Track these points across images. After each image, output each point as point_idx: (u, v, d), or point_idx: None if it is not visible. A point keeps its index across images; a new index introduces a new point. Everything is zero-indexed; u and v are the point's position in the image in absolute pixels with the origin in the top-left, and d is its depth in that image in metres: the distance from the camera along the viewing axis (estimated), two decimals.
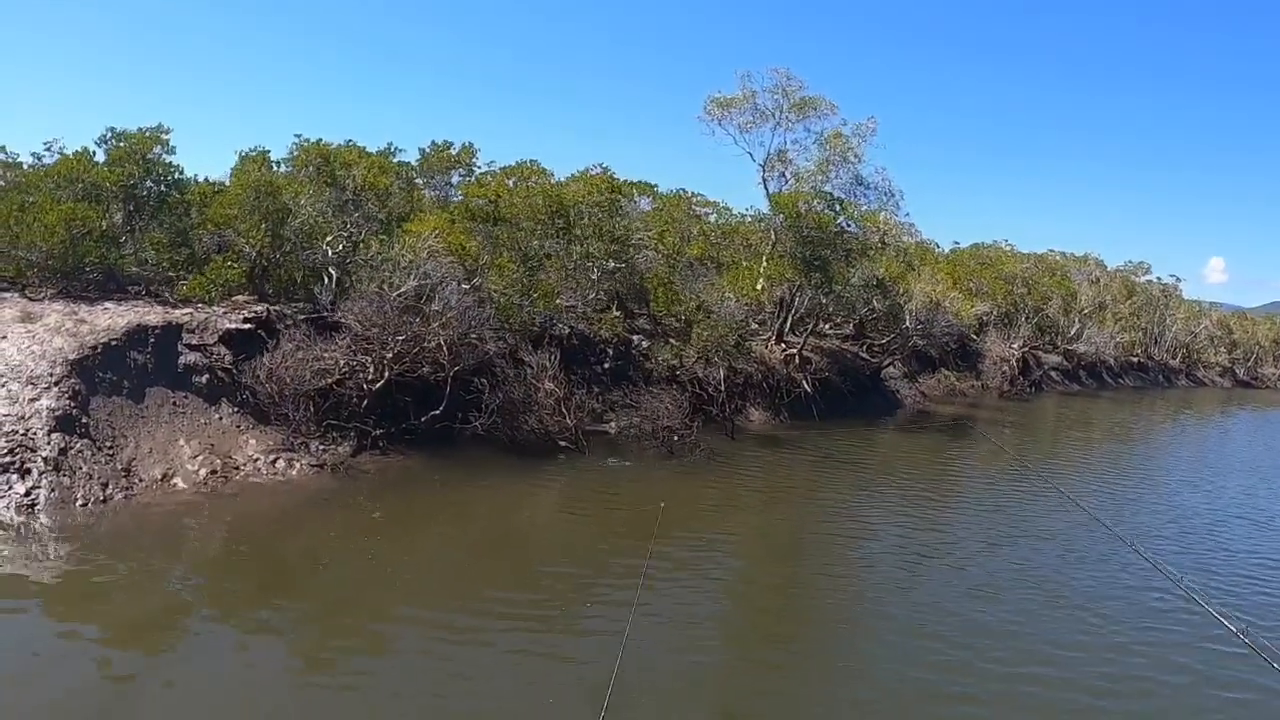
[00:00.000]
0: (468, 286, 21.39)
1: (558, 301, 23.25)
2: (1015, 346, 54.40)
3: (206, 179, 25.67)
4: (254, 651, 10.87)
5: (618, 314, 30.75)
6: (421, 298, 19.46)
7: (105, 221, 22.35)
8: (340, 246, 22.67)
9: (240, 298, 22.75)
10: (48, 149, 24.78)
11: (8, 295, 20.72)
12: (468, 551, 15.41)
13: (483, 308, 20.88)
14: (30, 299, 20.73)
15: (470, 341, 20.57)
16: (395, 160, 24.36)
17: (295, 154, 23.32)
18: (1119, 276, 75.75)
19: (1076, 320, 63.47)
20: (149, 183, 23.43)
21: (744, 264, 31.33)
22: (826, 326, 43.33)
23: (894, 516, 20.17)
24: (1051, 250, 70.26)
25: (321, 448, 18.40)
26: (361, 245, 21.43)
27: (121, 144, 23.55)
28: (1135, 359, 73.36)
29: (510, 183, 28.56)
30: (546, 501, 19.15)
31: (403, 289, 19.66)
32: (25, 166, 25.42)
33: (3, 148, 26.37)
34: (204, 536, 14.72)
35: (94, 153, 23.79)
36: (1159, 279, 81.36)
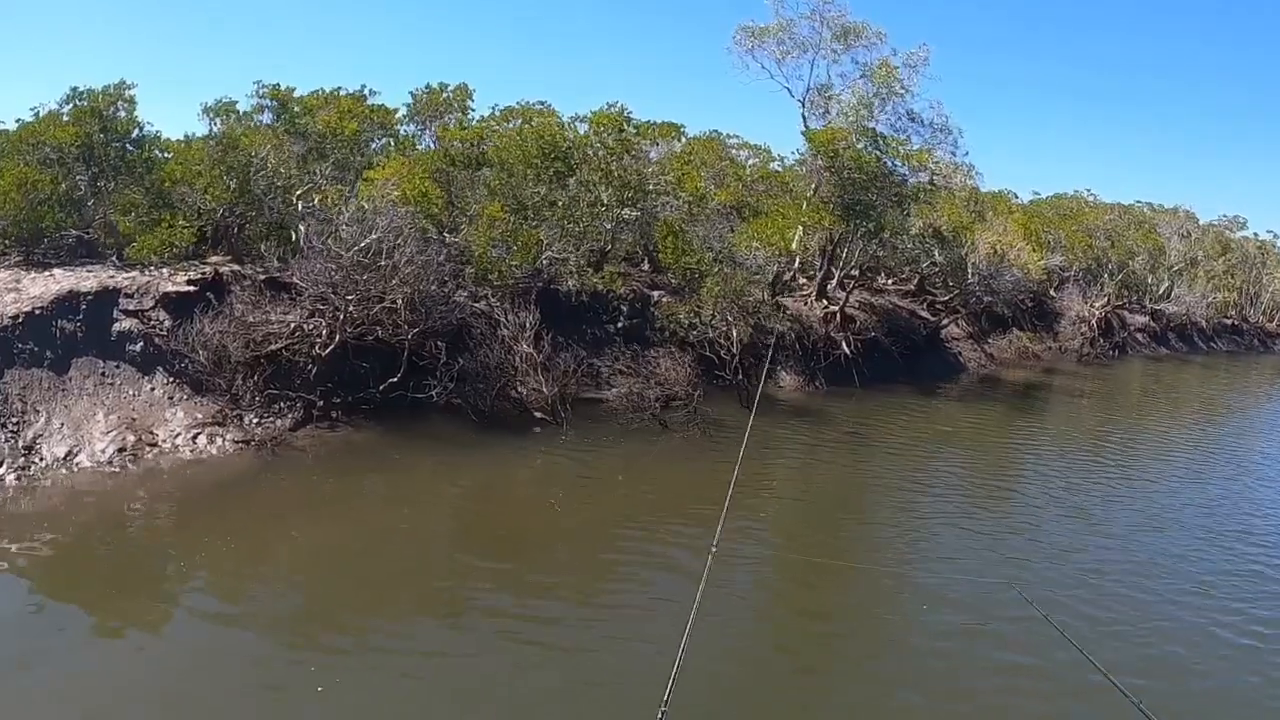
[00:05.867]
0: (439, 239, 19.03)
1: (546, 254, 20.64)
2: (1097, 305, 49.80)
3: (186, 136, 23.99)
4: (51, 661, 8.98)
5: (645, 268, 28.14)
6: (373, 251, 17.13)
7: (64, 184, 20.91)
8: (315, 200, 20.69)
9: (214, 258, 21.15)
10: (34, 114, 23.58)
11: None
12: (339, 560, 12.45)
13: (451, 262, 18.51)
14: None
15: (440, 301, 18.28)
16: (370, 104, 22.06)
17: (254, 103, 21.27)
18: (1212, 231, 69.51)
19: (1165, 278, 58.25)
20: (110, 142, 21.76)
21: (776, 211, 28.16)
22: (889, 282, 39.86)
23: (908, 525, 16.31)
24: (1139, 202, 64.78)
25: (256, 421, 16.32)
26: (321, 197, 19.26)
27: (83, 102, 21.98)
28: (1229, 321, 67.40)
29: (510, 125, 25.94)
30: (477, 490, 15.83)
31: (358, 244, 17.40)
32: (10, 133, 24.33)
33: None
34: (66, 524, 12.60)
35: (61, 114, 22.40)
36: (1255, 235, 74.81)
